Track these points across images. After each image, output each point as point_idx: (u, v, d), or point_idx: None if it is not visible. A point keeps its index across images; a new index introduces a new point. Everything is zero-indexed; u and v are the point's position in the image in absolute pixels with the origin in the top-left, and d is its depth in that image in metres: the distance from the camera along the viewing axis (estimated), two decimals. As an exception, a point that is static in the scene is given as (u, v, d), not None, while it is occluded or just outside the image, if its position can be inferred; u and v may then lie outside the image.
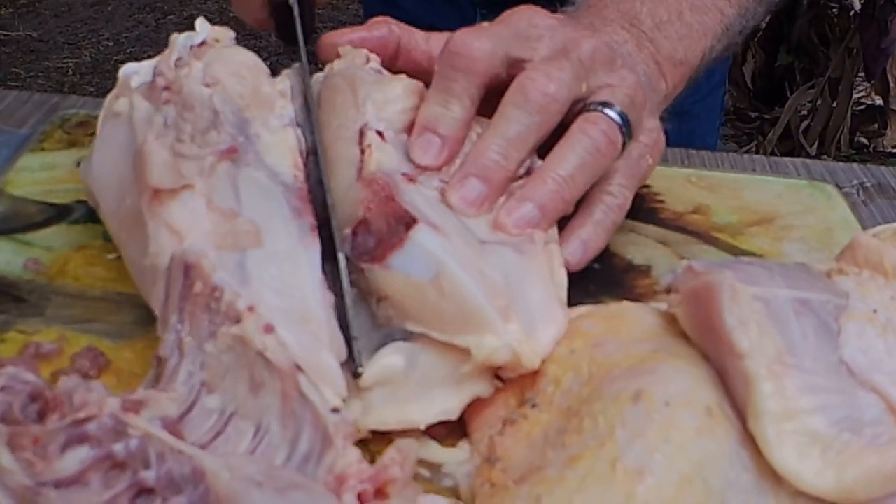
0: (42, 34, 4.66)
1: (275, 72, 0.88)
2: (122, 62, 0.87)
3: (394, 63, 0.91)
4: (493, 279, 0.72)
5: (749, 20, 1.09)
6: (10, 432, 0.56)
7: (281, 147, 0.81)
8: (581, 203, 0.85)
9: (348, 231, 0.75)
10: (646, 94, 0.89)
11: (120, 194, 0.79)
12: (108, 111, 0.85)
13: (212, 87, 0.81)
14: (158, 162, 0.73)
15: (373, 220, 0.75)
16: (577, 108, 0.84)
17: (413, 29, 0.93)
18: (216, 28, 0.89)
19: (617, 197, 0.87)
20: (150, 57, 0.87)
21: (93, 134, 0.98)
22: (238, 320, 0.64)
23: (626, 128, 0.84)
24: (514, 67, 0.84)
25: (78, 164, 0.97)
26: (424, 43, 0.93)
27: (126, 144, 0.80)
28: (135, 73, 0.86)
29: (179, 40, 0.86)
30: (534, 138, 0.81)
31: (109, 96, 0.86)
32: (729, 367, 0.63)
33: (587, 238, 0.84)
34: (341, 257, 0.74)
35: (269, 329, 0.63)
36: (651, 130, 0.91)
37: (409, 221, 0.73)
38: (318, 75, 0.90)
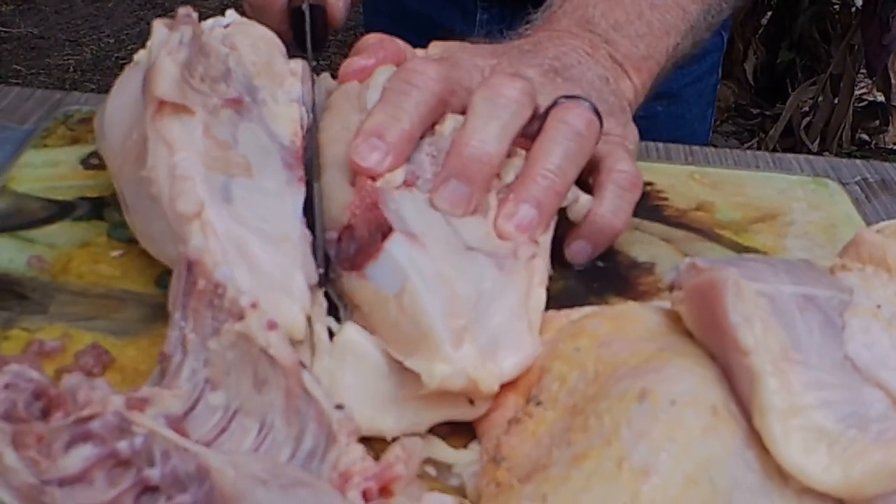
0: (43, 31, 4.66)
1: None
2: (124, 59, 0.89)
3: None
4: (461, 295, 0.71)
5: (715, 16, 1.10)
6: (14, 430, 0.56)
7: (284, 118, 0.82)
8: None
9: (334, 235, 0.76)
10: (601, 96, 0.90)
11: (127, 130, 0.80)
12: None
13: (229, 50, 0.82)
14: (167, 75, 0.73)
15: (357, 227, 0.76)
16: (534, 124, 0.84)
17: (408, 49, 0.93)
18: (243, 19, 0.90)
19: (626, 172, 0.88)
20: None
21: (96, 131, 0.98)
22: (241, 317, 0.64)
23: (597, 113, 0.84)
24: (465, 97, 0.84)
25: (81, 162, 0.98)
26: None
27: (137, 90, 0.80)
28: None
29: (207, 23, 0.87)
30: (510, 131, 0.80)
31: (140, 52, 0.88)
32: (734, 364, 0.63)
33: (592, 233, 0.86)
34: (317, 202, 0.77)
35: (272, 326, 0.63)
36: (621, 125, 0.92)
37: (385, 231, 0.73)
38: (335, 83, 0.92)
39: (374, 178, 0.78)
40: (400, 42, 0.91)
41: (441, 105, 0.82)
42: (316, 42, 0.96)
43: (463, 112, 0.83)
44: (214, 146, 0.74)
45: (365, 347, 0.71)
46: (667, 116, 1.10)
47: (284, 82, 0.84)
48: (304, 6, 0.98)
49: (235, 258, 0.68)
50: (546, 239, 0.80)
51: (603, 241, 0.86)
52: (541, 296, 0.76)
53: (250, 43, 0.84)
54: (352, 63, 0.89)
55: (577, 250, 0.86)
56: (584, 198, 0.84)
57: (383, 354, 0.70)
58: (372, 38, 0.91)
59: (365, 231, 0.75)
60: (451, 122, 0.83)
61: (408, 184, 0.79)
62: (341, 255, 0.75)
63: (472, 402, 0.70)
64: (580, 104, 0.83)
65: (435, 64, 0.83)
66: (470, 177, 0.78)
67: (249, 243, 0.70)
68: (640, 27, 1.00)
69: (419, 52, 0.93)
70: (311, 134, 0.83)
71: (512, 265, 0.76)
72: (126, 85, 0.85)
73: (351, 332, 0.71)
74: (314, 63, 0.92)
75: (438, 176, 0.79)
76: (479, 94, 0.81)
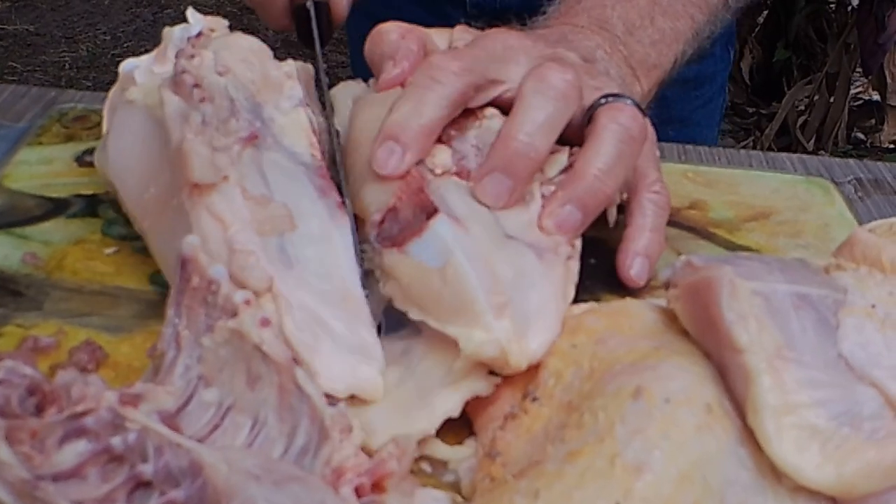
0: (39, 28, 4.65)
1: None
2: (119, 56, 0.88)
3: None
4: (500, 274, 0.72)
5: (717, 25, 1.10)
6: (8, 426, 0.56)
7: (295, 127, 0.82)
8: (627, 210, 0.85)
9: (377, 216, 0.77)
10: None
11: (142, 183, 0.81)
12: (114, 102, 0.87)
13: (224, 76, 0.81)
14: (199, 159, 0.73)
15: (401, 209, 0.77)
16: (578, 118, 0.83)
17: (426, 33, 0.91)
18: (209, 18, 0.90)
19: (662, 194, 0.87)
20: (147, 51, 0.88)
21: (91, 128, 0.98)
22: (235, 314, 0.64)
23: (642, 110, 0.84)
24: (489, 89, 0.83)
25: (76, 159, 0.98)
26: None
27: (143, 133, 0.82)
28: (136, 67, 0.87)
29: (175, 33, 0.87)
30: (558, 126, 0.80)
31: (113, 90, 0.88)
32: (728, 362, 0.63)
33: (648, 250, 0.85)
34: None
35: (265, 323, 0.63)
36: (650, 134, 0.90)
37: (431, 212, 0.75)
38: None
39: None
40: (420, 32, 0.89)
41: (464, 99, 0.82)
42: (321, 38, 0.96)
43: (491, 105, 0.83)
44: (256, 207, 0.74)
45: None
46: (678, 141, 1.09)
47: (284, 88, 0.84)
48: (309, 4, 0.98)
49: (315, 336, 0.69)
50: (579, 242, 0.80)
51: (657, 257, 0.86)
52: (570, 295, 0.76)
53: (241, 59, 0.84)
54: (388, 75, 0.86)
55: (637, 271, 0.85)
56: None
57: (394, 375, 0.72)
58: (392, 32, 0.88)
59: (409, 213, 0.77)
60: (496, 118, 0.84)
61: (458, 174, 0.80)
62: (382, 234, 0.76)
63: (492, 373, 0.71)
64: (629, 105, 0.83)
65: (459, 59, 0.82)
66: (515, 171, 0.78)
67: (322, 314, 0.71)
68: (653, 33, 1.00)
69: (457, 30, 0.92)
70: (332, 135, 0.85)
71: (552, 259, 0.77)
72: (126, 126, 0.85)
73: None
74: (323, 55, 0.93)
75: (483, 167, 0.79)
76: (529, 84, 0.80)
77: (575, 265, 0.78)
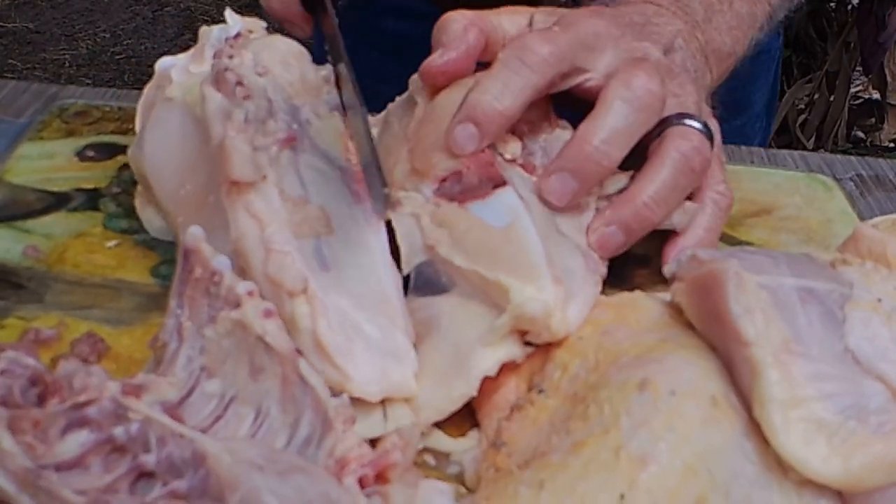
0: (39, 25, 4.65)
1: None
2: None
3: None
4: (555, 254, 0.74)
5: (790, 7, 1.08)
6: (11, 416, 0.56)
7: (330, 131, 0.82)
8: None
9: (440, 174, 0.79)
10: (699, 94, 0.89)
11: (178, 179, 0.82)
12: (150, 99, 0.88)
13: (263, 76, 0.81)
14: (241, 156, 0.73)
15: (466, 175, 0.78)
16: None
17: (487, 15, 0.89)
18: (247, 19, 0.90)
19: (725, 196, 0.87)
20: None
21: (91, 123, 0.99)
22: (238, 305, 0.64)
23: (710, 138, 0.83)
24: (574, 76, 0.83)
25: (77, 154, 0.98)
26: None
27: (181, 130, 0.82)
28: (172, 66, 0.87)
29: (213, 33, 0.88)
30: (636, 136, 0.80)
31: (148, 87, 0.89)
32: (735, 356, 0.63)
33: (698, 247, 0.83)
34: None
35: (268, 314, 0.63)
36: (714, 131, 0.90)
37: (499, 183, 0.77)
38: None
39: None
40: (486, 23, 0.86)
41: (550, 86, 0.81)
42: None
43: (571, 91, 0.83)
44: (293, 208, 0.74)
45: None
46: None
47: (321, 92, 0.84)
48: None
49: (348, 339, 0.69)
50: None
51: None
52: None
53: (280, 60, 0.84)
54: (433, 61, 0.84)
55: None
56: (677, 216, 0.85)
57: (427, 343, 0.73)
58: (457, 21, 0.85)
59: (475, 179, 0.78)
60: (568, 130, 0.85)
61: (524, 167, 0.81)
62: (441, 190, 0.78)
63: (527, 343, 0.72)
64: (698, 133, 0.82)
65: (551, 42, 0.80)
66: (583, 175, 0.78)
67: (357, 318, 0.71)
68: (731, 18, 0.98)
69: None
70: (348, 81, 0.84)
71: (594, 266, 0.78)
72: (163, 123, 0.85)
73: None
74: (337, 21, 0.91)
75: (553, 164, 0.79)
76: (615, 89, 0.80)
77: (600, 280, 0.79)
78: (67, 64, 4.36)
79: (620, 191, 0.82)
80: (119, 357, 0.75)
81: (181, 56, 0.88)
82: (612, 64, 0.83)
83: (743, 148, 1.15)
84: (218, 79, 0.79)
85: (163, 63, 0.89)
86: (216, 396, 0.62)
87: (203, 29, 0.89)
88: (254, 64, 0.82)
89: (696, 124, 0.83)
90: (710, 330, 0.67)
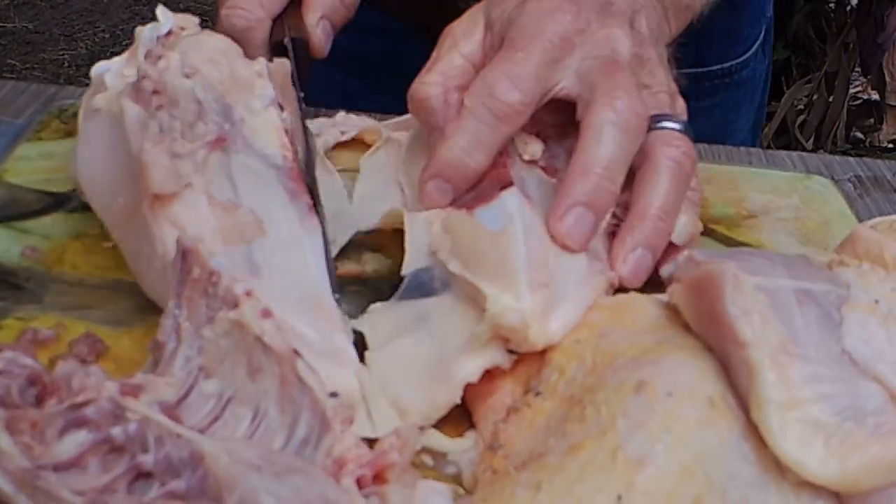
0: (38, 26, 4.65)
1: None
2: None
3: None
4: (549, 259, 0.74)
5: None
6: (9, 416, 0.56)
7: (266, 128, 0.81)
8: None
9: None
10: (668, 74, 0.89)
11: (111, 192, 0.80)
12: (87, 109, 0.84)
13: (191, 77, 0.80)
14: (159, 169, 0.73)
15: (481, 183, 0.79)
16: None
17: None
18: (179, 16, 0.88)
19: (697, 191, 0.88)
20: None
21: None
22: (236, 305, 0.64)
23: (690, 135, 0.84)
24: (546, 96, 0.82)
25: (76, 154, 0.98)
26: None
27: (110, 143, 0.80)
28: (107, 70, 0.84)
29: (145, 33, 0.85)
30: (630, 157, 0.80)
31: (86, 95, 0.85)
32: (732, 357, 0.63)
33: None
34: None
35: (266, 314, 0.63)
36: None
37: (506, 184, 0.77)
38: None
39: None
40: (450, 62, 0.85)
41: (521, 127, 0.81)
42: (301, 75, 0.94)
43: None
44: (223, 213, 0.74)
45: (396, 344, 0.74)
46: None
47: (255, 87, 0.83)
48: (287, 41, 0.97)
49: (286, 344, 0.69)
50: None
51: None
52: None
53: (209, 59, 0.82)
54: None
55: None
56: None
57: (412, 339, 0.74)
58: (430, 98, 0.84)
59: (487, 183, 0.79)
60: None
61: (545, 169, 0.83)
62: (456, 199, 0.80)
63: (510, 351, 0.72)
64: (681, 136, 0.83)
65: (518, 83, 0.79)
66: (597, 205, 0.78)
67: (293, 322, 0.70)
68: None
69: None
70: (310, 160, 0.85)
71: (599, 268, 0.78)
72: (92, 136, 0.83)
73: (377, 335, 0.75)
74: (302, 95, 0.92)
75: (562, 200, 0.77)
76: (601, 115, 0.79)
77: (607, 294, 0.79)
78: (66, 64, 4.36)
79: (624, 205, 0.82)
80: (118, 358, 0.75)
81: (116, 60, 0.86)
82: (582, 67, 0.82)
83: (742, 149, 1.15)
84: (136, 88, 0.78)
85: (97, 69, 0.86)
86: (214, 396, 0.62)
87: (138, 29, 0.87)
88: (181, 65, 0.80)
89: (677, 125, 0.83)
90: (707, 331, 0.67)
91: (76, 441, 0.57)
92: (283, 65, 0.89)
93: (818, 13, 3.74)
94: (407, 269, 0.78)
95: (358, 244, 0.89)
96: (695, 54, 1.11)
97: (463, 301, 0.74)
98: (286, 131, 0.82)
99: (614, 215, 0.81)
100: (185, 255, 0.67)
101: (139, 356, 0.74)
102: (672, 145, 0.82)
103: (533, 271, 0.72)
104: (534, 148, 0.83)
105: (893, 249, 0.71)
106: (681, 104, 0.89)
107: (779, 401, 0.59)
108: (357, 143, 1.02)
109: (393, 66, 1.05)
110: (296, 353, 0.61)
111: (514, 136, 0.82)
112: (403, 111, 0.88)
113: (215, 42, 0.85)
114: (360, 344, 0.74)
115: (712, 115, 1.24)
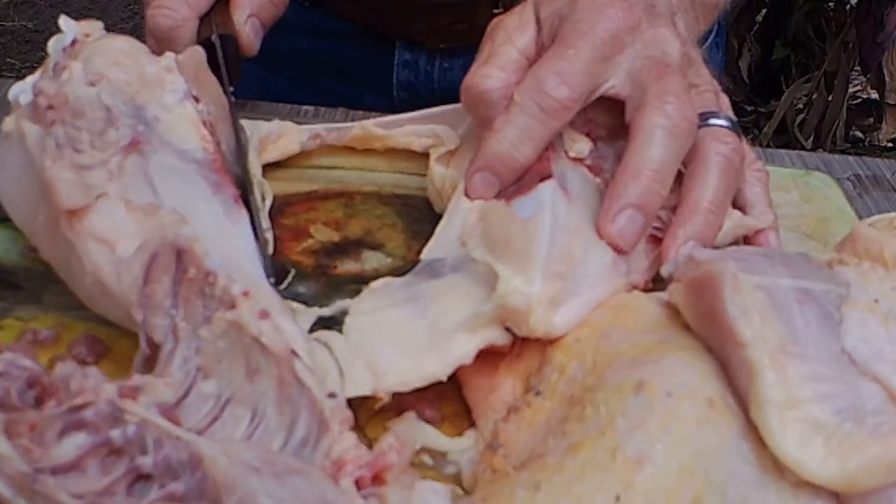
0: (37, 24, 4.65)
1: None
2: None
3: None
4: (573, 252, 0.75)
5: None
6: (7, 419, 0.56)
7: (182, 122, 0.80)
8: None
9: None
10: (710, 75, 0.90)
11: (30, 212, 0.78)
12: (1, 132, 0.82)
13: (97, 84, 0.78)
14: (64, 184, 0.72)
15: (525, 176, 0.80)
16: None
17: None
18: (83, 23, 0.87)
19: (763, 171, 0.91)
20: None
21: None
22: (233, 305, 0.64)
23: (738, 132, 0.85)
24: (595, 93, 0.82)
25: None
26: None
27: (21, 165, 0.78)
28: (22, 91, 0.82)
29: (51, 45, 0.84)
30: (679, 161, 0.81)
31: (6, 120, 0.82)
32: (731, 357, 0.63)
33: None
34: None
35: (264, 315, 0.63)
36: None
37: (545, 177, 0.78)
38: None
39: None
40: (506, 57, 0.85)
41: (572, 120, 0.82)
42: (231, 73, 0.94)
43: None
44: (143, 217, 0.72)
45: (381, 313, 0.74)
46: None
47: (165, 83, 0.82)
48: (214, 38, 0.96)
49: None
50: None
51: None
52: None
53: (113, 62, 0.81)
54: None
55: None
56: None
57: (402, 304, 0.74)
58: (492, 90, 0.83)
59: (528, 177, 0.80)
60: None
61: (590, 168, 0.83)
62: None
63: (508, 329, 0.72)
64: (729, 133, 0.84)
65: (567, 80, 0.80)
66: (647, 207, 0.78)
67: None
68: None
69: None
70: (240, 151, 0.84)
71: (621, 270, 0.78)
72: (6, 159, 0.80)
73: (363, 307, 0.74)
74: (232, 90, 0.91)
75: (613, 202, 0.78)
76: (653, 119, 0.79)
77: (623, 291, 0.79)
78: (66, 63, 4.36)
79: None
80: (118, 358, 0.75)
81: (29, 79, 0.83)
82: (633, 67, 0.83)
83: (741, 148, 1.14)
84: (33, 107, 0.77)
85: (13, 91, 0.82)
86: (212, 397, 0.62)
87: (50, 41, 0.85)
88: (84, 74, 0.79)
89: (725, 122, 0.84)
90: (706, 331, 0.67)
91: (75, 444, 0.57)
92: (195, 53, 0.87)
93: (818, 12, 3.75)
94: (427, 253, 0.78)
95: (357, 243, 0.89)
96: None
97: (464, 284, 0.74)
98: (204, 123, 0.81)
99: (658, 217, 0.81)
100: (179, 255, 0.67)
101: (138, 356, 0.74)
102: (721, 142, 0.82)
103: (552, 261, 0.73)
104: (580, 146, 0.83)
105: (893, 248, 0.71)
106: (725, 101, 0.90)
107: (778, 400, 0.59)
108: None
109: (326, 66, 1.05)
110: (294, 353, 0.61)
111: (563, 132, 0.83)
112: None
113: (118, 44, 0.83)
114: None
115: None
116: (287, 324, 0.67)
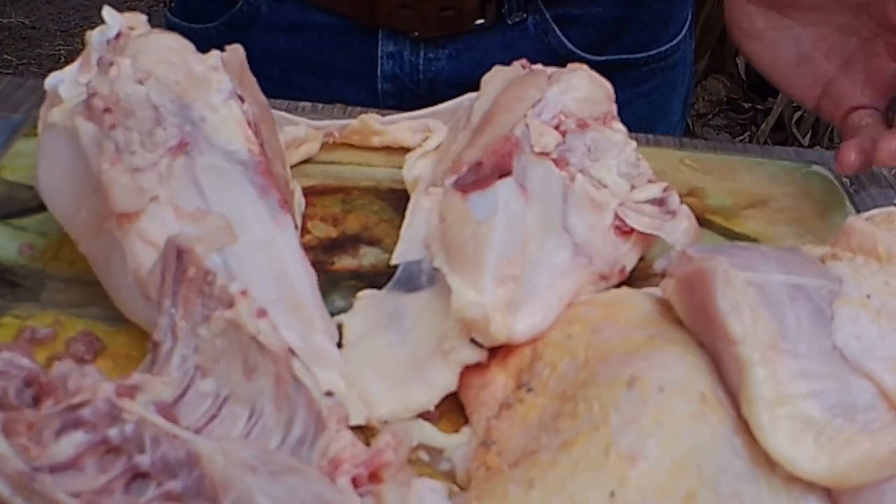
0: (34, 21, 4.64)
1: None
2: None
3: None
4: (528, 251, 0.75)
5: None
6: (5, 418, 0.56)
7: (228, 123, 0.80)
8: None
9: (465, 168, 0.81)
10: None
11: (74, 205, 0.79)
12: (44, 122, 0.82)
13: (145, 82, 0.78)
14: (120, 188, 0.72)
15: (485, 165, 0.80)
16: None
17: None
18: (127, 15, 0.86)
19: None
20: None
21: (89, 119, 0.98)
22: (231, 304, 0.64)
23: None
24: None
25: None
26: None
27: (69, 157, 0.78)
28: (61, 81, 0.82)
29: (94, 37, 0.84)
30: None
31: (43, 107, 0.83)
32: (723, 353, 0.63)
33: None
34: None
35: (262, 313, 0.63)
36: None
37: (505, 173, 0.78)
38: None
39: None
40: None
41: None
42: None
43: None
44: (191, 223, 0.73)
45: (368, 343, 0.75)
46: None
47: (212, 82, 0.81)
48: None
49: None
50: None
51: None
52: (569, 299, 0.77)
53: (161, 59, 0.80)
54: None
55: None
56: None
57: (385, 338, 0.75)
58: None
59: (489, 171, 0.80)
60: (620, 134, 0.86)
61: (556, 161, 0.83)
62: (459, 181, 0.80)
63: (478, 344, 0.72)
64: None
65: None
66: None
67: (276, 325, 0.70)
68: None
69: None
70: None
71: (582, 263, 0.78)
72: (51, 152, 0.81)
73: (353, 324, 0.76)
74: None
75: None
76: None
77: (597, 285, 0.79)
78: (63, 59, 4.35)
79: (650, 201, 0.83)
80: (115, 355, 0.75)
81: (68, 69, 0.83)
82: None
83: (738, 144, 1.15)
84: (88, 107, 0.76)
85: (51, 81, 0.83)
86: (210, 396, 0.62)
87: (89, 33, 0.84)
88: (133, 71, 0.78)
89: None
90: (698, 327, 0.67)
91: (73, 442, 0.57)
92: (238, 52, 0.86)
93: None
94: (397, 258, 0.79)
95: (355, 238, 0.89)
96: (636, 40, 1.13)
97: (437, 300, 0.75)
98: (249, 124, 0.81)
99: (617, 216, 0.81)
100: (180, 254, 0.67)
101: (136, 353, 0.74)
102: None
103: (503, 264, 0.73)
104: (546, 141, 0.83)
105: (887, 242, 0.71)
106: None
107: (769, 397, 0.60)
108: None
109: (306, 62, 1.05)
110: (291, 352, 0.61)
111: (531, 125, 0.83)
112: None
113: (167, 41, 0.83)
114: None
115: (650, 98, 1.25)
116: (328, 345, 0.71)
